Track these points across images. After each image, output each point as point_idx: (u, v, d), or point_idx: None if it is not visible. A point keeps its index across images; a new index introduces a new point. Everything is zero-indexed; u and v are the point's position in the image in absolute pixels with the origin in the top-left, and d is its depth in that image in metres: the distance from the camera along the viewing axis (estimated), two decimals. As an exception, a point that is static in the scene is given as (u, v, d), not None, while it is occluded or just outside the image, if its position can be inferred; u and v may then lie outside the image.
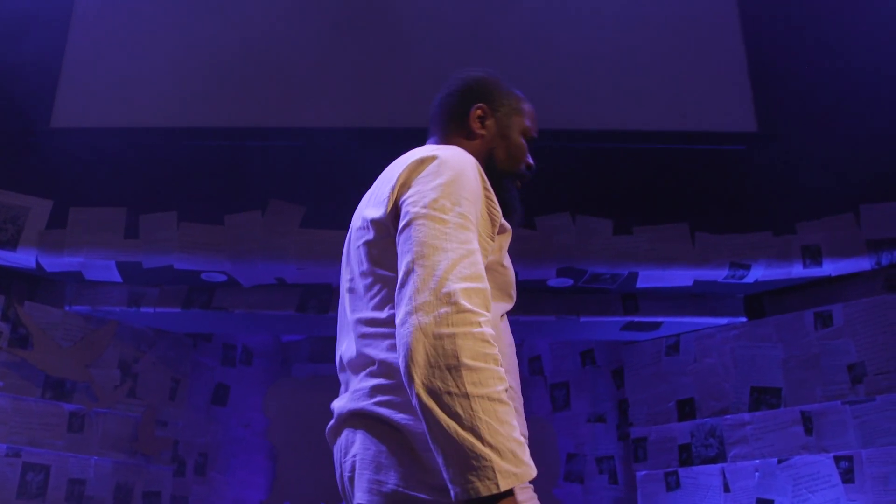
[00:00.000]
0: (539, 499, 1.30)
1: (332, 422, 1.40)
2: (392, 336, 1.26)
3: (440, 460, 1.11)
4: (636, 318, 3.54)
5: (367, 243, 1.37)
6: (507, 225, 1.42)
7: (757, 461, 3.37)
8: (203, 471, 3.94)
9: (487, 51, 3.52)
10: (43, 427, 3.32)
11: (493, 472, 1.07)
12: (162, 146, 3.44)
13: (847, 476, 3.16)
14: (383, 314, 1.32)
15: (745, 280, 3.34)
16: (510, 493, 1.09)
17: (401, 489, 1.22)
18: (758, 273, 3.30)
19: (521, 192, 1.61)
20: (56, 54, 3.57)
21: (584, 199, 3.36)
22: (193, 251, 3.26)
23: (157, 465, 3.66)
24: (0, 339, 3.29)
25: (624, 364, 3.88)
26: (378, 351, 1.31)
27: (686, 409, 3.60)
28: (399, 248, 1.26)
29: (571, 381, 4.19)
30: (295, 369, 4.46)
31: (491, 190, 1.38)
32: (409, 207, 1.28)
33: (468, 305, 1.15)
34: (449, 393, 1.10)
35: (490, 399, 1.11)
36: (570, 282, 3.40)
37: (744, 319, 3.56)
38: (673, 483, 3.58)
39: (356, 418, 1.32)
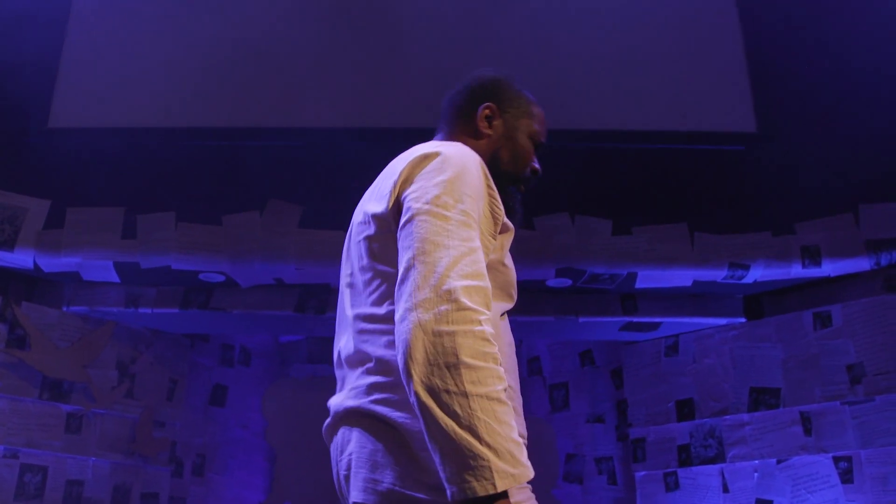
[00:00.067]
0: (538, 499, 1.29)
1: (328, 420, 1.39)
2: (390, 332, 1.25)
3: (437, 459, 1.10)
4: (635, 319, 3.54)
5: (367, 238, 1.36)
6: (510, 224, 1.41)
7: (756, 461, 3.37)
8: (201, 472, 3.93)
9: (487, 50, 3.52)
10: (40, 428, 3.31)
11: (491, 472, 1.06)
12: (160, 146, 3.43)
13: (846, 476, 3.15)
14: (382, 310, 1.30)
15: (744, 280, 3.34)
16: (506, 493, 1.08)
17: (397, 488, 1.21)
18: (757, 273, 3.30)
19: (522, 194, 1.60)
20: (54, 54, 3.56)
21: (583, 199, 3.36)
22: (191, 251, 3.25)
23: (154, 465, 3.65)
24: (-3, 340, 3.29)
25: (623, 364, 3.88)
26: (376, 348, 1.29)
27: (685, 410, 3.60)
28: (400, 244, 1.25)
29: (570, 382, 4.19)
30: (293, 370, 4.45)
31: (494, 188, 1.37)
32: (412, 203, 1.26)
33: (468, 303, 1.14)
34: (447, 391, 1.09)
35: (489, 398, 1.10)
36: (568, 282, 3.39)
37: (743, 320, 3.56)
38: (672, 483, 3.57)
39: (352, 416, 1.31)
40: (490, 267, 1.33)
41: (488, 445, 1.07)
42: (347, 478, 1.30)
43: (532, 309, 3.48)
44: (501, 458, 1.07)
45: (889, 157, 3.30)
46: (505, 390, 1.14)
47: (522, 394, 1.42)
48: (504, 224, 1.38)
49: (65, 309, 3.49)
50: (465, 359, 1.11)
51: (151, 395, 3.67)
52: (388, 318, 1.27)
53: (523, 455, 1.12)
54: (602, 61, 3.53)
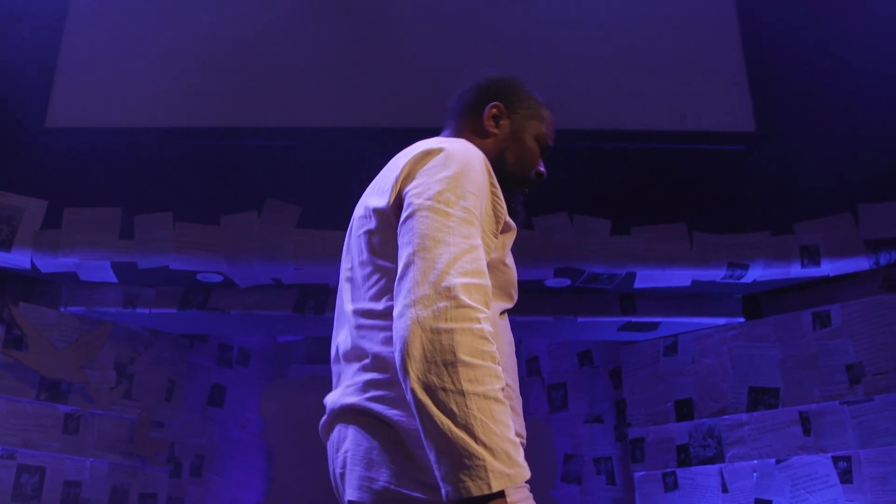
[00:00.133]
0: (536, 500, 1.29)
1: (324, 417, 1.38)
2: (388, 329, 1.24)
3: (432, 457, 1.09)
4: (634, 319, 3.53)
5: (368, 232, 1.35)
6: (512, 223, 1.40)
7: (755, 461, 3.36)
8: (199, 472, 3.93)
9: (486, 50, 3.51)
10: (38, 429, 3.30)
11: (486, 471, 1.05)
12: (158, 146, 3.42)
13: (845, 476, 3.15)
14: (380, 305, 1.30)
15: (743, 280, 3.33)
16: (501, 493, 1.07)
17: (392, 487, 1.20)
18: (756, 273, 3.30)
19: (524, 196, 1.59)
20: (51, 53, 3.55)
21: (582, 198, 3.35)
22: (189, 251, 3.24)
23: (153, 466, 3.64)
24: (-5, 341, 3.28)
25: (622, 364, 3.88)
26: (373, 344, 1.28)
27: (684, 410, 3.59)
28: (400, 240, 1.24)
29: (569, 382, 4.19)
30: (292, 370, 4.44)
31: (497, 186, 1.35)
32: (413, 199, 1.25)
33: (468, 301, 1.13)
34: (444, 389, 1.08)
35: (486, 397, 1.09)
36: (567, 282, 3.39)
37: (742, 319, 3.55)
38: (671, 483, 3.57)
39: (348, 413, 1.30)
40: (491, 266, 1.32)
41: (484, 445, 1.06)
42: (343, 475, 1.29)
43: (530, 309, 3.48)
44: (497, 458, 1.06)
45: (888, 157, 3.29)
46: (503, 389, 1.13)
47: (521, 394, 1.41)
48: (506, 223, 1.37)
49: (62, 309, 3.48)
50: (463, 357, 1.10)
51: (149, 395, 3.67)
52: (386, 313, 1.26)
53: (520, 455, 1.10)
54: (601, 61, 3.52)
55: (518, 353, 4.35)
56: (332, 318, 1.50)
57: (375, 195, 1.37)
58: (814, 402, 3.27)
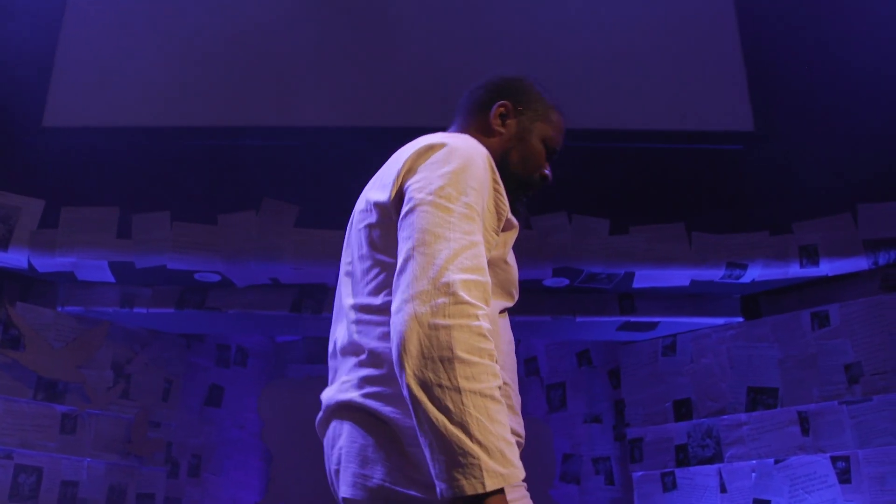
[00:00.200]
0: (535, 499, 1.28)
1: (320, 413, 1.37)
2: (385, 324, 1.23)
3: (427, 454, 1.08)
4: (632, 319, 3.53)
5: (368, 226, 1.34)
6: (514, 221, 1.39)
7: (754, 461, 3.36)
8: (197, 472, 3.92)
9: (485, 49, 3.51)
10: (35, 428, 3.29)
11: (480, 470, 1.04)
12: (155, 145, 3.42)
13: (844, 476, 3.15)
14: (378, 300, 1.29)
15: (742, 280, 3.33)
16: (500, 492, 1.06)
17: (387, 484, 1.19)
18: (755, 273, 3.29)
19: (527, 198, 1.58)
20: (48, 52, 3.54)
21: (581, 198, 3.35)
22: (187, 251, 3.23)
23: (150, 466, 3.63)
24: (-9, 340, 3.27)
25: (620, 364, 3.87)
26: (369, 339, 1.27)
27: (682, 410, 3.59)
28: (400, 234, 1.23)
29: (568, 382, 4.18)
30: (290, 370, 4.43)
31: (500, 183, 1.34)
32: (414, 193, 1.24)
33: (467, 297, 1.12)
34: (440, 385, 1.07)
35: (482, 395, 1.08)
36: (566, 281, 3.38)
37: (740, 319, 3.55)
38: (669, 484, 3.56)
39: (344, 410, 1.29)
40: (491, 264, 1.32)
41: (479, 443, 1.05)
42: (338, 472, 1.28)
43: (529, 308, 3.47)
44: (492, 457, 1.05)
45: (887, 157, 3.29)
46: (500, 388, 1.12)
47: (520, 394, 1.41)
48: (508, 221, 1.36)
49: (59, 309, 3.47)
50: (460, 353, 1.09)
51: (147, 395, 3.66)
52: (384, 309, 1.25)
53: (515, 455, 1.09)
54: (600, 60, 3.52)
55: (517, 353, 4.33)
56: (330, 319, 1.49)
57: (377, 189, 1.36)
58: (812, 402, 3.26)
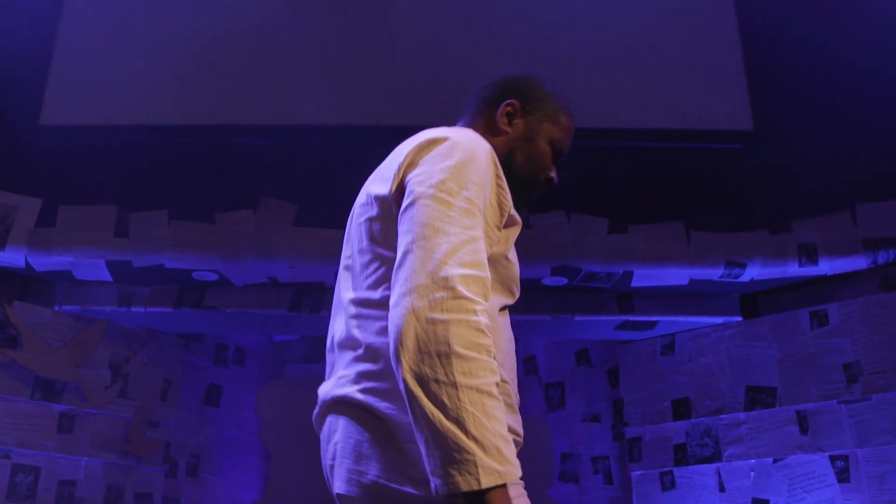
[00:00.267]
0: (533, 498, 1.27)
1: (316, 408, 1.36)
2: (383, 318, 1.22)
3: (423, 450, 1.07)
4: (631, 318, 3.52)
5: (369, 220, 1.33)
6: (517, 217, 1.37)
7: (752, 461, 3.36)
8: (195, 472, 3.91)
9: (484, 48, 3.50)
10: (33, 428, 3.28)
11: (476, 466, 1.03)
12: (152, 144, 3.41)
13: (843, 475, 3.15)
14: (377, 294, 1.27)
15: (741, 279, 3.33)
16: (502, 487, 1.05)
17: (381, 481, 1.18)
18: (753, 272, 3.29)
19: (530, 199, 1.55)
20: (45, 50, 3.53)
21: (580, 197, 3.34)
22: (184, 250, 3.22)
23: (148, 466, 3.62)
24: (-11, 339, 3.26)
25: (619, 364, 3.87)
26: (367, 334, 1.26)
27: (681, 409, 3.59)
28: (400, 228, 1.22)
29: (566, 381, 4.18)
30: (288, 369, 4.43)
31: (503, 178, 1.33)
32: (415, 187, 1.23)
33: (465, 292, 1.11)
34: (437, 381, 1.06)
35: (479, 391, 1.07)
36: (564, 280, 3.38)
37: (739, 319, 3.54)
38: (668, 483, 3.56)
39: (339, 405, 1.28)
40: (493, 260, 1.31)
41: (475, 439, 1.04)
42: (333, 468, 1.27)
43: (528, 307, 3.47)
44: (488, 454, 1.04)
45: (886, 156, 3.29)
46: (498, 385, 1.11)
47: (518, 393, 1.40)
48: (511, 217, 1.34)
49: (57, 308, 3.47)
50: (458, 348, 1.07)
51: (145, 394, 3.65)
52: (382, 303, 1.24)
53: (512, 453, 1.08)
54: (599, 59, 3.51)
55: (516, 352, 4.33)
56: (329, 317, 1.48)
57: (378, 182, 1.35)
58: (811, 402, 3.26)
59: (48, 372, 3.34)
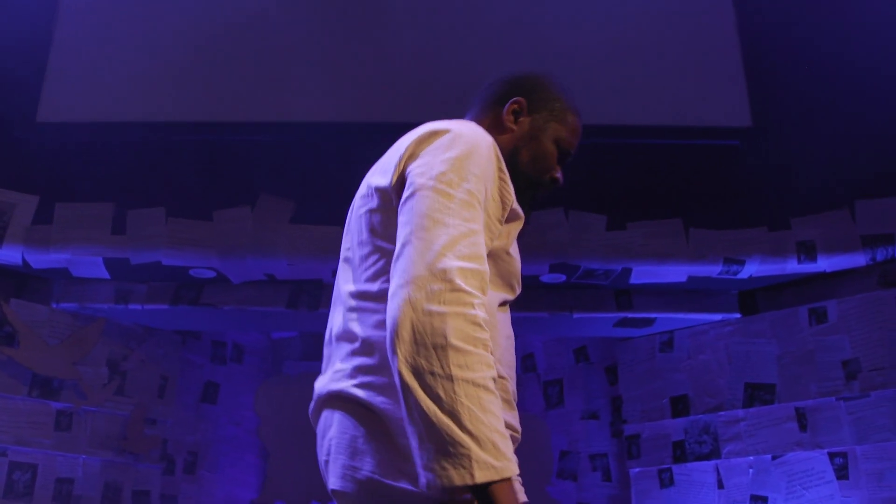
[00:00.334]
0: (532, 496, 1.26)
1: (312, 403, 1.35)
2: (381, 311, 1.21)
3: (414, 443, 1.06)
4: (630, 315, 3.52)
5: (369, 212, 1.32)
6: (520, 212, 1.36)
7: (751, 458, 3.36)
8: (193, 469, 3.91)
9: (481, 45, 3.49)
10: (30, 425, 3.27)
11: (470, 460, 1.02)
12: (150, 141, 3.40)
13: (841, 472, 3.15)
14: (375, 287, 1.26)
15: (740, 276, 3.32)
16: (506, 482, 1.04)
17: (376, 476, 1.17)
18: (752, 269, 3.28)
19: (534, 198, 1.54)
20: (42, 47, 3.52)
21: (578, 194, 3.33)
22: (182, 247, 3.22)
23: (146, 463, 3.62)
24: (-14, 337, 3.25)
25: (617, 361, 3.86)
26: (364, 328, 1.25)
27: (680, 406, 3.58)
28: (399, 219, 1.21)
29: (565, 378, 4.17)
30: (286, 366, 4.42)
31: (506, 172, 1.31)
32: (415, 178, 1.22)
33: (463, 285, 1.10)
34: (432, 373, 1.05)
35: (475, 384, 1.06)
36: (563, 277, 3.37)
37: (738, 315, 3.54)
38: (667, 480, 3.56)
39: (335, 400, 1.26)
40: (494, 254, 1.30)
41: (470, 433, 1.03)
42: (327, 463, 1.26)
43: (526, 305, 3.46)
44: (483, 448, 1.03)
45: (885, 153, 3.28)
46: (494, 380, 1.10)
47: (517, 390, 1.39)
48: (513, 212, 1.33)
49: (54, 306, 3.46)
50: (454, 341, 1.06)
51: (143, 392, 3.64)
52: (380, 296, 1.23)
53: (509, 448, 1.07)
54: (597, 56, 3.50)
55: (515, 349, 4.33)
56: (327, 314, 1.47)
57: (378, 174, 1.34)
58: (810, 399, 3.26)
59: (45, 369, 3.33)
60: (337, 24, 3.57)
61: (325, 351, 1.38)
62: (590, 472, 4.00)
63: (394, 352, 1.08)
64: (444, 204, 1.18)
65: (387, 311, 1.12)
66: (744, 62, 3.54)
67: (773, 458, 3.30)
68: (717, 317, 3.55)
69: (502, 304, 1.38)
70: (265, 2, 3.59)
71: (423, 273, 1.10)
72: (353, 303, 1.30)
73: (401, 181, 1.26)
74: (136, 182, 3.32)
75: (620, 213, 3.31)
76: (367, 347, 1.24)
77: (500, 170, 1.31)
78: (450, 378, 1.05)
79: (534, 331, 4.06)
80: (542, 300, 3.50)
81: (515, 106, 1.52)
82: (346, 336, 1.29)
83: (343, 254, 1.41)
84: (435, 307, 1.08)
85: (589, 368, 4.12)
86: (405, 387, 1.06)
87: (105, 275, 3.37)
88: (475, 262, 1.14)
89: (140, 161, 3.36)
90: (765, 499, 3.29)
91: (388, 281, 1.18)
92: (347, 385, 1.24)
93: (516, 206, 1.34)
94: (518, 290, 1.41)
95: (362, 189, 1.39)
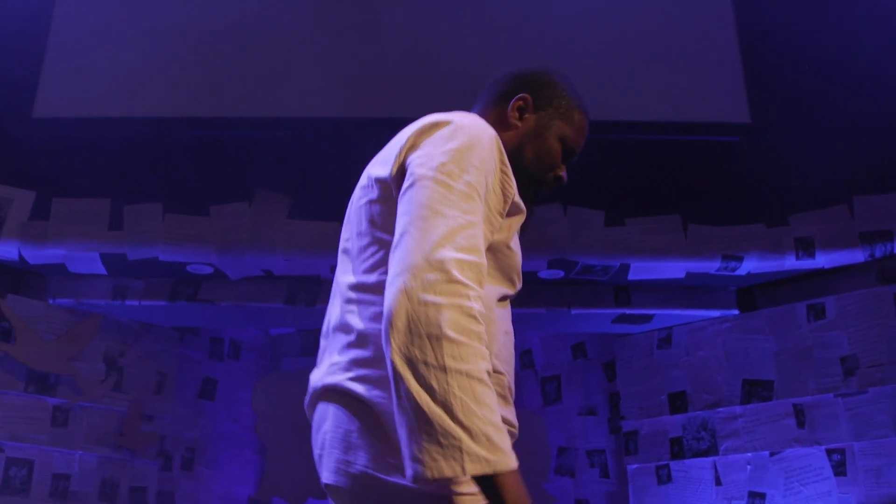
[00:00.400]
0: (530, 492, 1.25)
1: (307, 396, 1.34)
2: (377, 304, 1.20)
3: (403, 434, 1.05)
4: (628, 311, 3.51)
5: (368, 202, 1.31)
6: (522, 206, 1.35)
7: (749, 454, 3.35)
8: (190, 466, 3.90)
9: (477, 40, 3.48)
10: (26, 421, 3.27)
11: (461, 452, 1.01)
12: (147, 136, 3.39)
13: (839, 469, 3.14)
14: (372, 278, 1.26)
15: (738, 272, 3.32)
16: (510, 473, 1.03)
17: (369, 471, 1.16)
18: (750, 265, 3.28)
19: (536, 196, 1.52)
20: (39, 42, 3.51)
21: (576, 189, 3.30)
22: (179, 243, 3.21)
23: (143, 459, 3.61)
24: (-18, 333, 3.24)
25: (616, 357, 3.86)
26: (359, 320, 1.25)
27: (678, 403, 3.58)
28: (399, 210, 1.20)
29: (563, 375, 4.17)
30: (284, 363, 4.41)
31: (508, 165, 1.30)
32: (415, 169, 1.21)
33: (459, 276, 1.09)
34: (426, 363, 1.04)
35: (469, 376, 1.05)
36: (561, 273, 3.37)
37: (736, 312, 3.54)
38: (664, 476, 3.56)
39: (330, 393, 1.26)
40: (494, 248, 1.29)
41: (461, 425, 1.02)
42: (321, 458, 1.25)
43: (524, 301, 3.45)
44: (475, 440, 1.02)
45: (884, 149, 3.28)
46: (492, 375, 1.09)
47: (515, 386, 1.38)
48: (515, 205, 1.32)
49: (51, 301, 3.45)
50: (449, 332, 1.05)
51: (140, 388, 3.64)
52: (378, 288, 1.22)
53: (504, 441, 1.05)
54: (595, 51, 3.50)
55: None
56: (324, 311, 1.47)
57: (379, 164, 1.33)
58: (808, 395, 3.26)
59: (41, 365, 3.32)
60: (334, 20, 3.56)
61: (322, 342, 1.37)
62: (588, 468, 4.00)
63: (387, 341, 1.07)
64: (444, 195, 1.17)
65: (384, 299, 1.11)
66: (742, 59, 3.53)
67: (771, 454, 3.30)
68: (716, 313, 3.55)
69: (502, 298, 1.37)
70: (262, -3, 3.58)
71: (420, 263, 1.09)
72: (350, 294, 1.29)
73: (401, 172, 1.25)
74: (133, 178, 3.31)
75: (619, 209, 3.30)
76: (362, 340, 1.23)
77: (501, 162, 1.29)
78: (443, 369, 1.04)
79: (532, 327, 4.06)
80: (540, 296, 3.49)
81: (521, 102, 1.51)
82: (343, 328, 1.28)
83: (342, 245, 1.40)
84: (430, 297, 1.07)
85: (587, 365, 4.12)
86: (397, 376, 1.05)
87: (102, 270, 3.36)
88: (473, 254, 1.13)
89: (137, 157, 3.35)
90: (762, 495, 3.29)
91: (385, 273, 1.17)
92: (342, 378, 1.23)
93: (518, 199, 1.33)
94: (519, 286, 1.40)
95: (363, 180, 1.38)
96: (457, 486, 1.12)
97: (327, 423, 1.25)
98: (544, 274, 3.37)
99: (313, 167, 3.31)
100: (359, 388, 1.20)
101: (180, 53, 3.45)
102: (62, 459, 3.34)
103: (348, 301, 1.29)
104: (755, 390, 3.38)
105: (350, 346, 1.25)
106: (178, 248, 3.22)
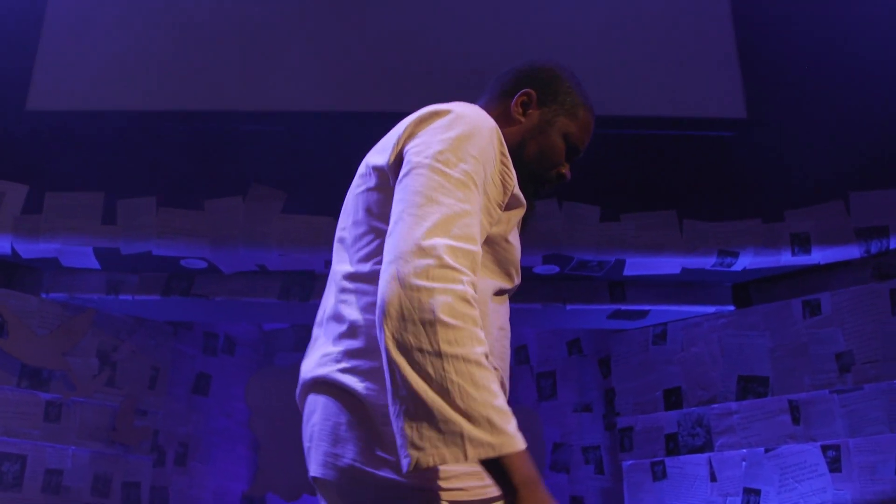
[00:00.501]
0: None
1: (298, 387, 1.33)
2: (371, 294, 1.19)
3: (399, 423, 1.03)
4: (623, 307, 3.51)
5: (366, 191, 1.30)
6: (522, 199, 1.33)
7: (744, 450, 3.35)
8: (184, 461, 3.89)
9: (474, 35, 3.47)
10: (19, 416, 3.25)
11: (462, 438, 1.00)
12: (140, 130, 3.37)
13: (834, 465, 3.14)
14: (367, 268, 1.25)
15: (733, 268, 3.31)
16: (519, 454, 1.03)
17: (357, 464, 1.15)
18: (746, 261, 3.28)
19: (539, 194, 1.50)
20: (32, 35, 3.49)
21: (571, 185, 3.28)
22: (173, 237, 3.20)
23: (136, 455, 3.60)
24: (-26, 327, 3.23)
25: (611, 353, 3.85)
26: (352, 310, 1.23)
27: (673, 399, 3.58)
28: (395, 197, 1.19)
29: (558, 371, 4.16)
30: (278, 358, 4.40)
31: (508, 156, 1.29)
32: (412, 157, 1.20)
33: (452, 262, 1.08)
34: (420, 350, 1.03)
35: (466, 360, 1.03)
36: (556, 269, 3.36)
37: (731, 308, 3.53)
38: (659, 473, 3.56)
39: (320, 385, 1.25)
40: (492, 240, 1.28)
41: (461, 410, 1.01)
42: (310, 450, 1.24)
43: (519, 296, 3.43)
44: (476, 425, 1.00)
45: (880, 145, 3.28)
46: (486, 356, 1.07)
47: (509, 382, 1.37)
48: (515, 198, 1.31)
49: (44, 296, 3.43)
50: (443, 317, 1.04)
51: (133, 383, 3.62)
52: (372, 277, 1.21)
53: (507, 422, 1.04)
54: (590, 46, 3.49)
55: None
56: (318, 306, 1.45)
57: (377, 153, 1.33)
58: (803, 391, 3.26)
59: (34, 360, 3.31)
60: (329, 13, 3.54)
61: (315, 331, 1.36)
62: (582, 464, 4.00)
63: (381, 329, 1.06)
64: (440, 182, 1.16)
65: (379, 286, 1.10)
66: (738, 53, 3.53)
67: (766, 450, 3.30)
68: (711, 309, 3.54)
69: (499, 293, 1.36)
70: (257, -10, 3.56)
71: (413, 249, 1.08)
72: (344, 284, 1.28)
73: (398, 160, 1.24)
74: (127, 171, 3.30)
75: (614, 204, 3.30)
76: (355, 330, 1.22)
77: (501, 153, 1.28)
78: (439, 354, 1.02)
79: (527, 322, 4.05)
80: (536, 291, 3.48)
81: (524, 97, 1.49)
82: (336, 318, 1.27)
83: (338, 234, 1.39)
84: (423, 283, 1.05)
85: (582, 360, 4.11)
86: (392, 364, 1.04)
87: (95, 265, 3.35)
88: (467, 241, 1.12)
89: (131, 150, 3.34)
90: (757, 491, 3.29)
91: (380, 262, 1.15)
92: (333, 370, 1.22)
93: (518, 192, 1.32)
94: (517, 280, 1.39)
95: (361, 168, 1.37)
96: (445, 480, 1.12)
97: (316, 415, 1.24)
98: (539, 269, 3.37)
99: (308, 162, 3.30)
100: (349, 380, 1.19)
101: (175, 47, 3.44)
102: (55, 454, 3.32)
103: (342, 290, 1.28)
104: (750, 386, 3.38)
105: (342, 336, 1.24)
106: (171, 243, 3.20)
